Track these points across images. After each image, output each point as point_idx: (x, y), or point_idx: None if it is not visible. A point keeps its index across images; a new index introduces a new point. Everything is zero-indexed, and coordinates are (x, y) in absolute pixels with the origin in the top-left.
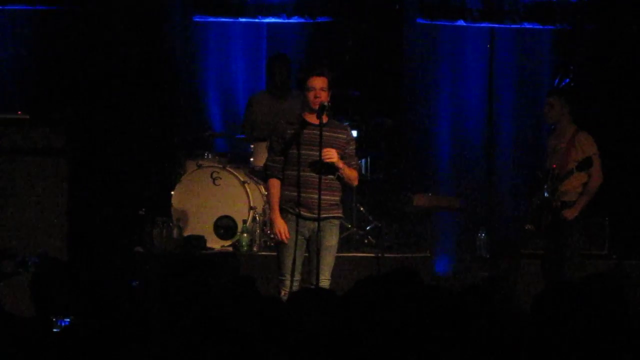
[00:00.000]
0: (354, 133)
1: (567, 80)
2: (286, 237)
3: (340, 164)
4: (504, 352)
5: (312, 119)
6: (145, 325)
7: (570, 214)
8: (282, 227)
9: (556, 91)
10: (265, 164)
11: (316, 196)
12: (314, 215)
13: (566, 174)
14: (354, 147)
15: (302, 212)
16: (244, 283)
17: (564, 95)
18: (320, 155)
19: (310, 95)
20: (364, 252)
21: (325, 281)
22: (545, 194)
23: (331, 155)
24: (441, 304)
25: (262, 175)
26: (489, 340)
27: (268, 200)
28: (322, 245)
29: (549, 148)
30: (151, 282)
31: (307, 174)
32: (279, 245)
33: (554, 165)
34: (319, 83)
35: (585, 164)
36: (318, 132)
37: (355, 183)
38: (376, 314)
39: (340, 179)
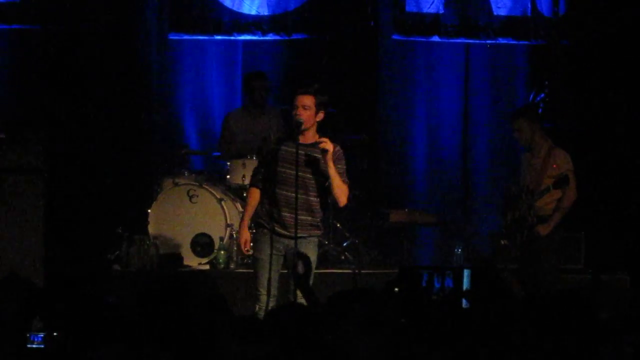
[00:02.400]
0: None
1: (542, 95)
2: (246, 250)
3: (330, 162)
4: None
5: (298, 137)
6: (121, 341)
7: (544, 229)
8: (244, 238)
9: (518, 113)
10: (252, 172)
11: (291, 215)
12: (288, 233)
13: (542, 190)
14: (343, 166)
15: (275, 228)
16: (216, 303)
17: (527, 114)
18: (296, 174)
19: (293, 112)
20: (340, 269)
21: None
22: (521, 210)
23: (328, 145)
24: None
25: (238, 193)
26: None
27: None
28: None
29: (523, 163)
30: (128, 300)
31: (284, 192)
32: (255, 260)
33: (529, 182)
34: (301, 101)
35: (562, 182)
36: (299, 151)
37: (344, 199)
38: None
39: (327, 189)
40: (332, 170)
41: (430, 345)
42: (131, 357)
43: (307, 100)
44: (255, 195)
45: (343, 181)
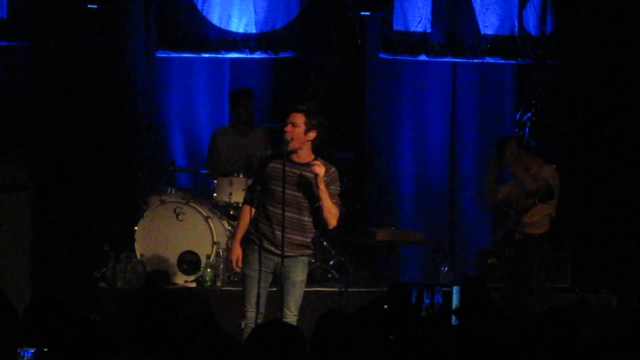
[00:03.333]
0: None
1: (529, 114)
2: (237, 267)
3: (322, 185)
4: None
5: (291, 155)
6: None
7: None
8: (236, 255)
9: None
10: (247, 190)
11: (279, 233)
12: (278, 251)
13: (529, 205)
14: (337, 188)
15: (265, 245)
16: (203, 319)
17: (515, 139)
18: (283, 190)
19: (285, 129)
20: (327, 287)
21: (292, 317)
22: (508, 226)
23: (319, 169)
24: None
25: (225, 211)
26: None
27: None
28: (288, 280)
29: (512, 179)
30: (115, 318)
31: (277, 210)
32: (244, 277)
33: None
34: (292, 118)
35: (546, 196)
36: (289, 169)
37: (334, 222)
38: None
39: (318, 210)
40: (323, 194)
41: None
42: None
43: (297, 119)
44: (247, 212)
45: (334, 203)
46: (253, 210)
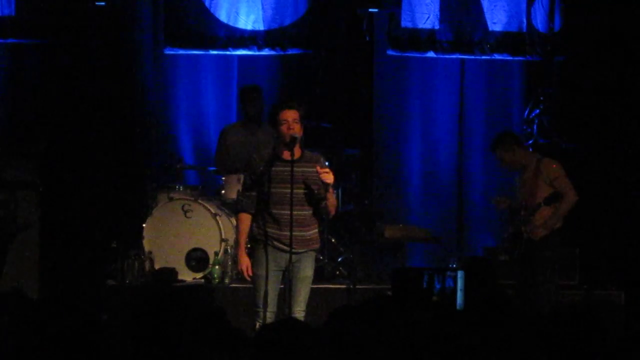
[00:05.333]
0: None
1: (537, 110)
2: (248, 275)
3: (331, 191)
4: None
5: (284, 154)
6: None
7: (539, 232)
8: (245, 264)
9: (492, 147)
10: (237, 197)
11: (289, 233)
12: (287, 248)
13: (536, 205)
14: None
15: (274, 244)
16: (214, 316)
17: (499, 144)
18: (291, 191)
19: (283, 128)
20: (335, 284)
21: (300, 312)
22: (518, 225)
23: (329, 178)
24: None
25: (233, 208)
26: None
27: (236, 234)
28: (297, 277)
29: (518, 182)
30: (122, 315)
31: (279, 211)
32: (254, 277)
33: (524, 197)
34: (290, 115)
35: (553, 198)
36: (289, 168)
37: (333, 212)
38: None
39: (322, 210)
40: (331, 196)
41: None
42: None
43: (295, 115)
44: (247, 220)
45: (334, 196)
46: (250, 217)
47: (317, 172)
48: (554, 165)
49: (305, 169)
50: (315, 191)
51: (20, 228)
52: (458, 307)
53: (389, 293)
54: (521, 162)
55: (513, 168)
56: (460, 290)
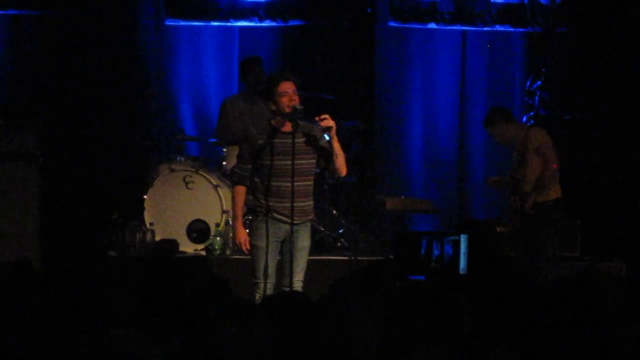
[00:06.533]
0: (326, 137)
1: (539, 82)
2: (246, 248)
3: (335, 137)
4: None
5: (283, 126)
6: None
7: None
8: (243, 237)
9: (485, 125)
10: (232, 170)
11: (289, 204)
12: (287, 220)
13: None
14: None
15: (274, 215)
16: (217, 285)
17: (490, 122)
18: (292, 163)
19: (284, 99)
20: (336, 255)
21: (298, 282)
22: (515, 198)
23: (328, 121)
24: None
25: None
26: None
27: (232, 208)
28: (296, 247)
29: (514, 155)
30: (123, 286)
31: (280, 183)
32: (253, 248)
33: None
34: (290, 87)
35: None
36: (290, 140)
37: (345, 169)
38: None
39: (333, 168)
40: (337, 144)
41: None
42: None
43: (293, 86)
44: (243, 193)
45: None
46: (245, 189)
47: (315, 134)
48: (539, 134)
49: (314, 133)
50: (322, 145)
51: None
52: (461, 272)
53: (391, 257)
54: (512, 137)
55: (506, 144)
56: (464, 254)
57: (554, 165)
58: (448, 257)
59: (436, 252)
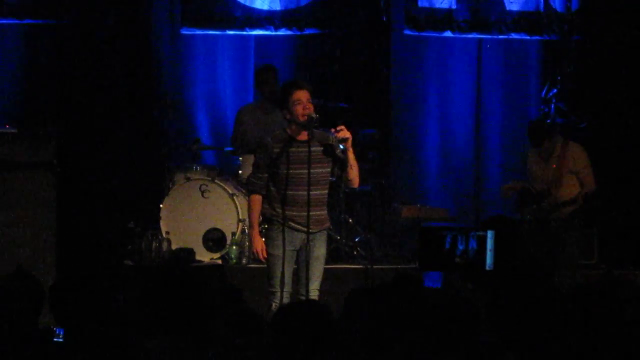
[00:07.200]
0: (341, 147)
1: (555, 90)
2: (264, 257)
3: (351, 149)
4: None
5: (299, 134)
6: (132, 337)
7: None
8: (260, 246)
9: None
10: (248, 179)
11: (305, 213)
12: (304, 229)
13: (564, 201)
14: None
15: (290, 224)
16: (231, 294)
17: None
18: (308, 172)
19: (299, 108)
20: (352, 264)
21: (315, 291)
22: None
23: (345, 132)
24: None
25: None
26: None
27: (249, 216)
28: (312, 256)
29: (531, 159)
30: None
31: (296, 192)
32: (269, 257)
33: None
34: (304, 95)
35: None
36: (306, 149)
37: (358, 180)
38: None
39: (347, 179)
40: (352, 155)
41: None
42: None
43: (307, 95)
44: (259, 202)
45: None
46: (261, 198)
47: (331, 143)
48: (582, 155)
49: (330, 143)
50: (337, 154)
51: None
52: (487, 268)
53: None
54: (551, 149)
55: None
56: (490, 250)
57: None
58: (472, 252)
59: (461, 247)
